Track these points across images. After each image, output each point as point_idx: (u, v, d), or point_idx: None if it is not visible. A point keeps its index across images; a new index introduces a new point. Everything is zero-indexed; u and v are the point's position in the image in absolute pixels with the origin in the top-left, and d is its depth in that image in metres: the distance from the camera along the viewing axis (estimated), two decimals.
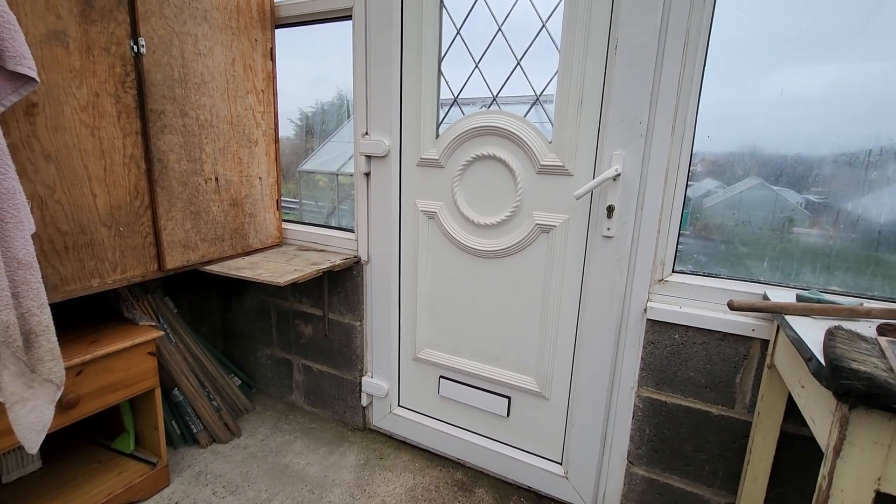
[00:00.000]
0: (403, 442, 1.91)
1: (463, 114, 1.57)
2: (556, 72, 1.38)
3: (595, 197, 1.38)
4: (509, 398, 1.65)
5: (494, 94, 1.52)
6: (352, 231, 1.89)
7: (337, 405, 2.03)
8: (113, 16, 1.28)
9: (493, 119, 1.48)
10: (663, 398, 1.38)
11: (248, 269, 1.61)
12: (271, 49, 1.79)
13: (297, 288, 2.00)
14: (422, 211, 1.67)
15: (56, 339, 1.07)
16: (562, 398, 1.57)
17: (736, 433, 1.31)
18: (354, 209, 1.81)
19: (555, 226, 1.46)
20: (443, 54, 1.56)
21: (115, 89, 1.31)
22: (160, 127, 1.43)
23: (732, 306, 1.03)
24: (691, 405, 1.35)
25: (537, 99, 1.46)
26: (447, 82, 1.57)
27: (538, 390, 1.59)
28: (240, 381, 2.13)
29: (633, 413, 1.43)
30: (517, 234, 1.53)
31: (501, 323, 1.62)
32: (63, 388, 1.10)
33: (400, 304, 1.80)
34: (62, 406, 1.25)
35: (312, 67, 1.98)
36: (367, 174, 1.73)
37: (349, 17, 1.69)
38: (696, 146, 1.28)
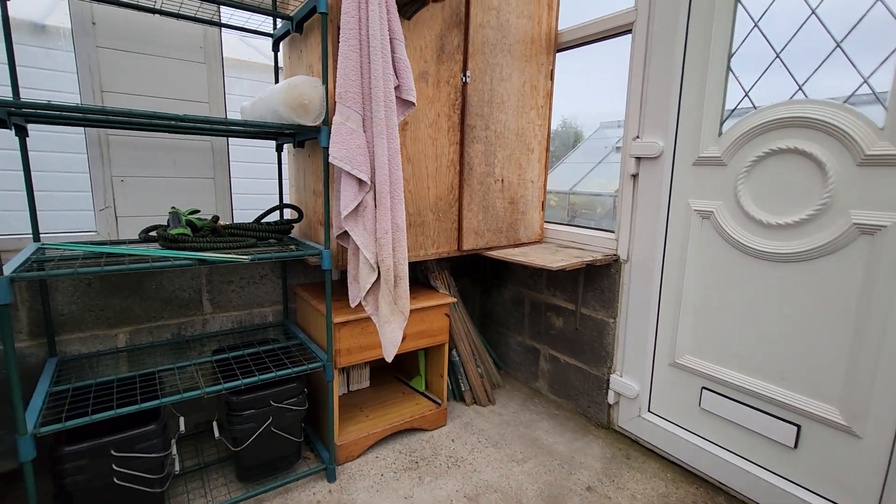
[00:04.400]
0: (650, 449, 1.85)
1: (755, 108, 1.48)
2: None
3: None
4: (799, 426, 1.43)
5: (800, 84, 1.39)
6: (611, 231, 1.98)
7: (581, 398, 2.12)
8: (454, 57, 1.74)
9: (799, 109, 1.36)
10: None
11: (521, 256, 1.88)
12: (551, 71, 2.07)
13: (552, 282, 2.20)
14: (695, 210, 1.64)
15: (408, 284, 1.51)
16: (882, 439, 1.27)
17: None
18: (617, 210, 1.90)
19: (884, 226, 1.23)
20: (733, 51, 1.52)
21: (448, 110, 1.76)
22: (471, 138, 1.84)
23: None
24: None
25: (865, 81, 1.27)
26: (737, 78, 1.52)
27: (844, 424, 1.33)
28: (492, 360, 2.45)
29: None
30: (823, 236, 1.34)
31: (789, 336, 1.43)
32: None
33: (659, 304, 1.78)
34: None
35: None
36: (635, 176, 1.80)
37: (627, 32, 1.82)
38: None
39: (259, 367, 1.51)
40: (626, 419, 1.93)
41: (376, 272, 1.48)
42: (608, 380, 1.97)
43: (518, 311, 2.43)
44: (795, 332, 1.42)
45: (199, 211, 1.60)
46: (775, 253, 1.44)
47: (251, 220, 1.70)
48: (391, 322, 1.49)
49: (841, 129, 1.28)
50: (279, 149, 1.87)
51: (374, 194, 1.45)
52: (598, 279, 1.98)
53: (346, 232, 1.51)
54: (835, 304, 1.33)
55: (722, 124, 1.56)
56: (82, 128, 1.52)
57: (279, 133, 1.69)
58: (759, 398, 1.51)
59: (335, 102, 1.41)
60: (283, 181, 1.91)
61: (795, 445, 1.45)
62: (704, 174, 1.61)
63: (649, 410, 1.87)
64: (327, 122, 1.41)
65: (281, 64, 1.88)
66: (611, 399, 1.97)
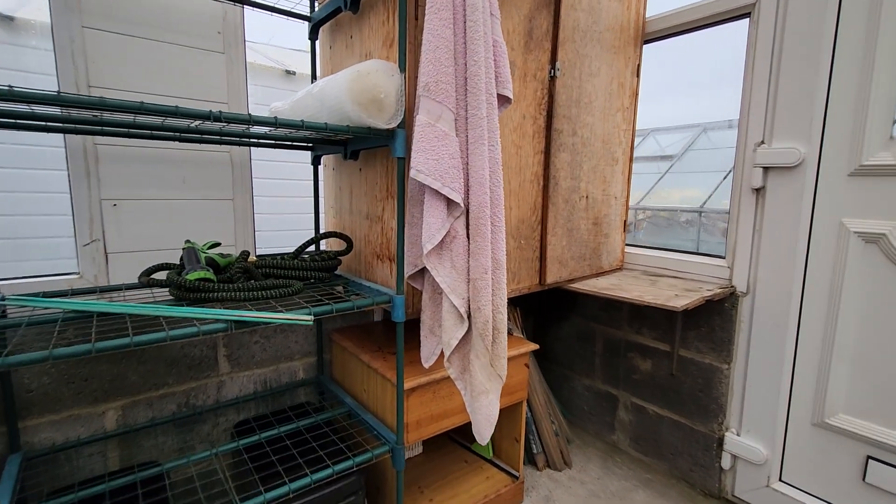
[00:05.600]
0: None
1: None
2: None
3: None
4: None
5: None
6: (720, 257, 1.63)
7: (679, 459, 1.75)
8: (542, 45, 1.39)
9: None
10: None
11: (621, 291, 1.51)
12: (638, 66, 1.74)
13: (636, 316, 1.84)
14: (854, 233, 1.31)
15: (506, 339, 1.13)
16: None
17: None
18: (731, 230, 1.56)
19: None
20: None
21: (534, 111, 1.41)
22: (558, 145, 1.48)
23: None
24: None
25: None
26: None
27: None
28: (559, 411, 2.07)
29: None
30: None
31: None
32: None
33: (797, 349, 1.44)
34: None
35: None
36: (759, 189, 1.47)
37: (744, 16, 1.50)
38: None
39: (305, 456, 1.11)
40: (748, 489, 1.56)
41: (466, 324, 1.10)
42: (720, 438, 1.61)
43: (586, 350, 2.06)
44: None
45: (219, 244, 1.21)
46: None
47: (277, 253, 1.31)
48: (488, 392, 1.11)
49: None
50: (316, 161, 1.49)
51: (467, 220, 1.07)
52: (703, 315, 1.62)
53: (421, 270, 1.13)
54: None
55: (895, 124, 1.24)
56: (61, 134, 1.11)
57: (326, 140, 1.31)
58: None
59: (414, 97, 1.04)
60: (319, 201, 1.52)
61: None
62: (869, 187, 1.28)
63: (781, 480, 1.51)
64: (404, 123, 1.04)
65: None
66: (725, 463, 1.60)
